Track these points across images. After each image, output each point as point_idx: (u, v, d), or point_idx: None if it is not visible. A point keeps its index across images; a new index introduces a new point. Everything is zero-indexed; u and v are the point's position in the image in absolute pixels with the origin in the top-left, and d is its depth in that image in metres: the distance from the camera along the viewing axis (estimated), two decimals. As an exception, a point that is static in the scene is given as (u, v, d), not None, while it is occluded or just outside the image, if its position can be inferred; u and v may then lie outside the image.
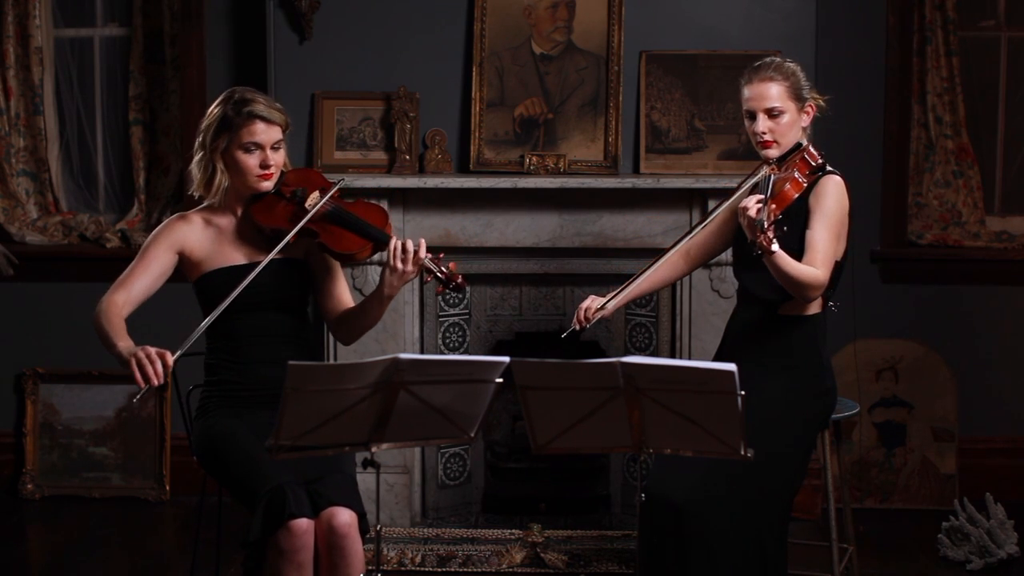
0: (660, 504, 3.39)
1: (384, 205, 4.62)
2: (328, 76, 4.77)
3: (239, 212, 3.56)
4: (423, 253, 3.39)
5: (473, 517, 4.91)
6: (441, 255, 3.46)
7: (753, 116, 3.57)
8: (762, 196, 3.28)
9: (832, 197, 3.51)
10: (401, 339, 4.72)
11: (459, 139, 4.79)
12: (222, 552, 3.87)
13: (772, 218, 3.26)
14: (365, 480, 3.46)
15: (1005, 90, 5.27)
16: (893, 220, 5.15)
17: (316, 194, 3.50)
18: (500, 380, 2.97)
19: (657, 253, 3.74)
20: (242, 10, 5.11)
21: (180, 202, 5.17)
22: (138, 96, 5.28)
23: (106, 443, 5.25)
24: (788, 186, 3.47)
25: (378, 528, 3.19)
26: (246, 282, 3.37)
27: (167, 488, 5.21)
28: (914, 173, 5.22)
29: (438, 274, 3.42)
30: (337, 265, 3.60)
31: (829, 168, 3.56)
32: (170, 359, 3.20)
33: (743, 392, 2.85)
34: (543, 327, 4.85)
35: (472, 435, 3.06)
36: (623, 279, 3.79)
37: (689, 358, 4.64)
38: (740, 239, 3.62)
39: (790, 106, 3.55)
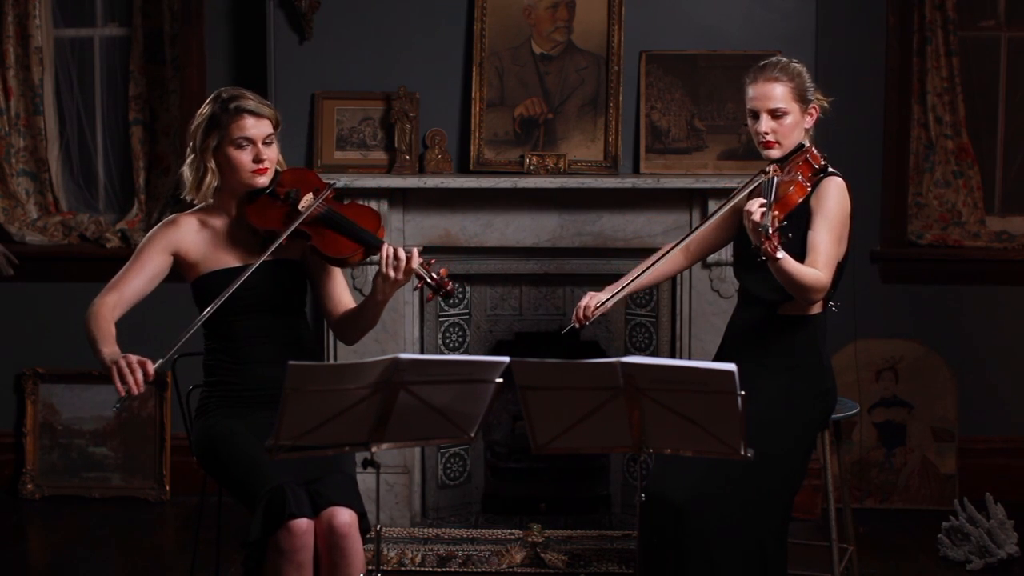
0: (660, 504, 3.38)
1: (384, 205, 4.62)
2: (328, 76, 4.77)
3: (234, 213, 3.55)
4: (415, 263, 3.35)
5: (473, 517, 4.91)
6: (432, 260, 3.43)
7: (756, 116, 3.55)
8: (766, 200, 3.27)
9: (834, 199, 3.50)
10: (401, 339, 4.72)
11: (459, 139, 4.78)
12: (222, 552, 3.88)
13: (776, 223, 3.25)
14: (365, 480, 3.46)
15: (1005, 90, 5.27)
16: (893, 220, 5.15)
17: (310, 196, 3.48)
18: (500, 380, 2.97)
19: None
20: (242, 10, 5.11)
21: (180, 202, 5.16)
22: (138, 96, 5.27)
23: (106, 443, 5.25)
24: (792, 190, 3.47)
25: (378, 528, 3.19)
26: (231, 289, 3.34)
27: (167, 488, 5.21)
28: (914, 173, 5.22)
29: (428, 280, 3.39)
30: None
31: (831, 169, 3.56)
32: (151, 368, 3.19)
33: (743, 392, 2.85)
34: (543, 327, 4.85)
35: (472, 435, 3.06)
36: (623, 279, 3.79)
37: (689, 358, 4.64)
38: (741, 239, 3.62)
39: (794, 107, 3.54)
